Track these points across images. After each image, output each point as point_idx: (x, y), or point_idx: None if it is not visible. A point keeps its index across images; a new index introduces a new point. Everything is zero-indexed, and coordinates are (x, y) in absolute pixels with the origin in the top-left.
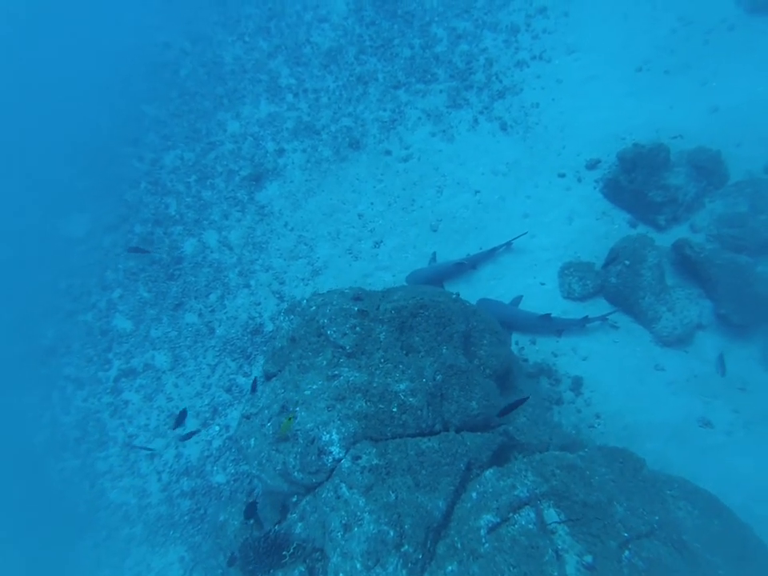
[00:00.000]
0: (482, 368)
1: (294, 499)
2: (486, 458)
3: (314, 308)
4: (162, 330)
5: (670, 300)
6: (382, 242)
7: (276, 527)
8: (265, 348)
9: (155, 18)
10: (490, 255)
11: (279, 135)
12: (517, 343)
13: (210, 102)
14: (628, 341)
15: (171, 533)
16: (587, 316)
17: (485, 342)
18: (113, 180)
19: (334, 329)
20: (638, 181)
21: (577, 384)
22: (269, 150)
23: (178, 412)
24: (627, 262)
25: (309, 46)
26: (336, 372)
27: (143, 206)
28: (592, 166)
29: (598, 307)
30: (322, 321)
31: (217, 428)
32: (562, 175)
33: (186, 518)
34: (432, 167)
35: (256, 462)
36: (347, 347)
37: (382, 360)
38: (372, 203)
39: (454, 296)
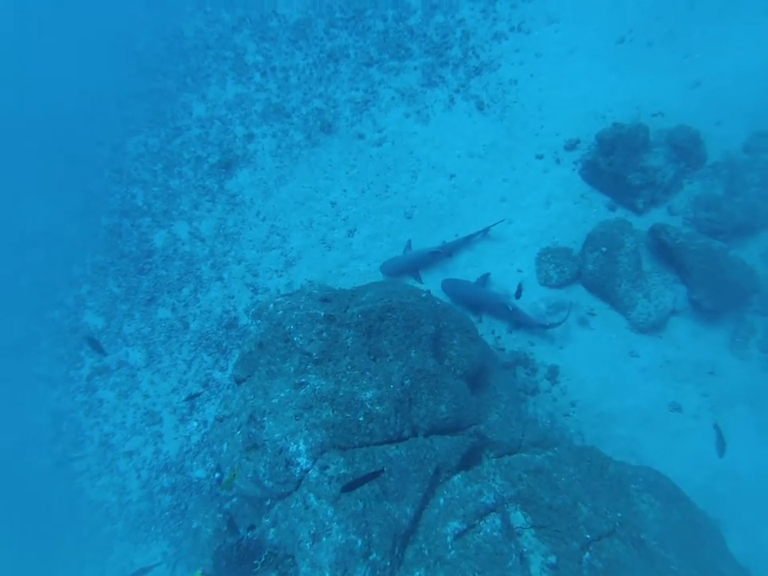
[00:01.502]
0: (452, 369)
1: (268, 503)
2: (455, 462)
3: (280, 312)
4: (134, 326)
5: (646, 286)
6: (355, 230)
7: (249, 534)
8: (240, 342)
9: None
10: (466, 242)
11: (248, 119)
12: (493, 332)
13: (173, 81)
14: (604, 328)
15: (153, 528)
16: (551, 323)
17: (455, 341)
18: (73, 167)
19: (301, 335)
20: (616, 163)
21: (553, 373)
22: (237, 135)
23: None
24: (604, 249)
25: (275, 19)
26: (303, 380)
27: (108, 196)
28: (571, 146)
29: (575, 295)
30: (288, 327)
31: (195, 423)
32: (540, 157)
33: (167, 513)
34: (406, 151)
35: (228, 468)
36: (314, 354)
37: (349, 367)
38: (345, 190)
39: (424, 294)
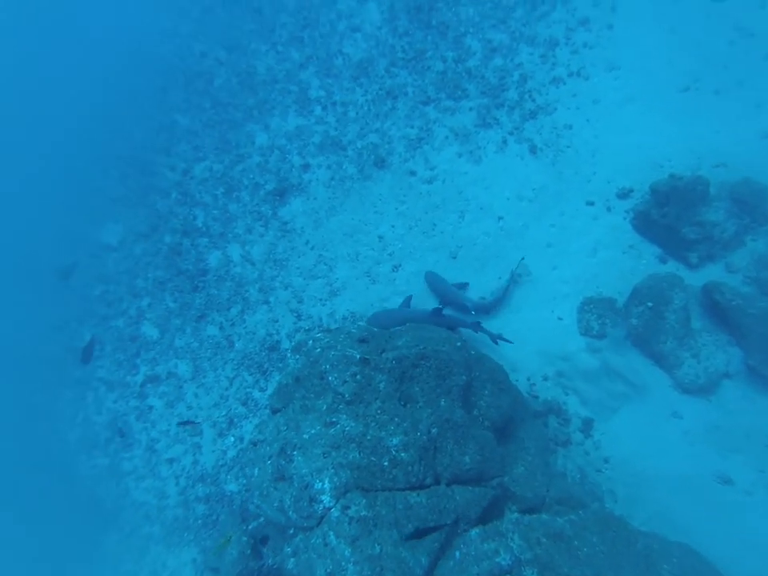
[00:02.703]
0: (480, 419)
1: (291, 531)
2: (475, 514)
3: (318, 350)
4: (185, 340)
5: (695, 346)
6: (400, 266)
7: (270, 561)
8: (280, 365)
9: (193, 27)
10: (491, 305)
11: (306, 150)
12: (529, 379)
13: (241, 113)
14: (646, 385)
15: (186, 535)
16: (479, 322)
17: (486, 392)
18: (146, 189)
19: (336, 375)
20: (670, 215)
21: (587, 425)
22: (294, 164)
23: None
24: (650, 304)
25: (340, 57)
26: (334, 419)
27: (173, 216)
28: (624, 195)
29: (618, 346)
30: (324, 366)
31: (232, 439)
32: (591, 203)
33: (199, 521)
34: (456, 190)
35: (258, 492)
36: (346, 395)
37: (379, 411)
38: (393, 226)
39: (459, 344)
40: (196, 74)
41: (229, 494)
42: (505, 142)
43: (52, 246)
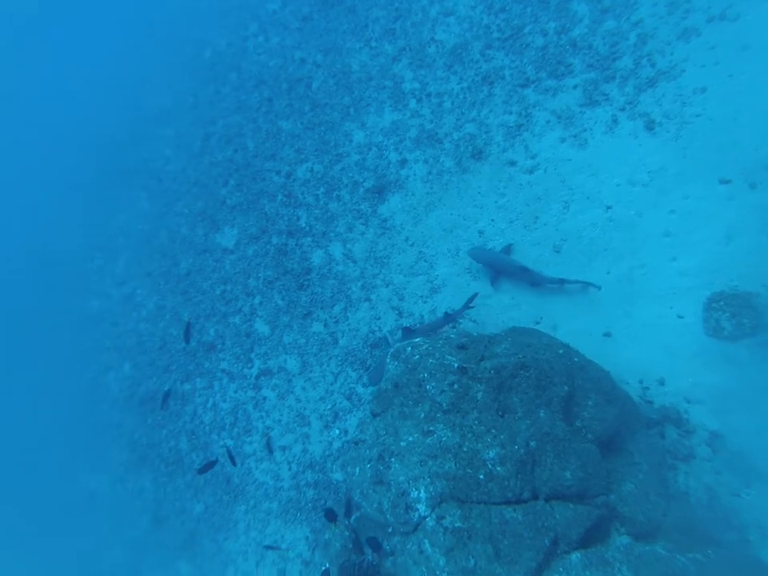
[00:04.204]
0: (583, 431)
1: (390, 530)
2: (576, 536)
3: (417, 357)
4: (292, 337)
5: None
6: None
7: (370, 558)
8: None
9: (295, 37)
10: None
11: (402, 145)
12: (641, 382)
13: (338, 112)
14: None
15: (299, 515)
16: (563, 279)
17: (590, 403)
18: (256, 194)
19: (433, 384)
20: None
21: (716, 438)
22: (392, 160)
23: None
24: None
25: (433, 45)
26: (431, 428)
27: (279, 218)
28: None
29: (758, 351)
30: (422, 374)
31: (337, 431)
32: (726, 181)
33: (309, 504)
34: (559, 179)
35: (358, 491)
36: (444, 404)
37: (476, 422)
38: (493, 220)
39: (562, 351)
40: (296, 80)
41: (335, 482)
42: (615, 120)
43: (184, 250)
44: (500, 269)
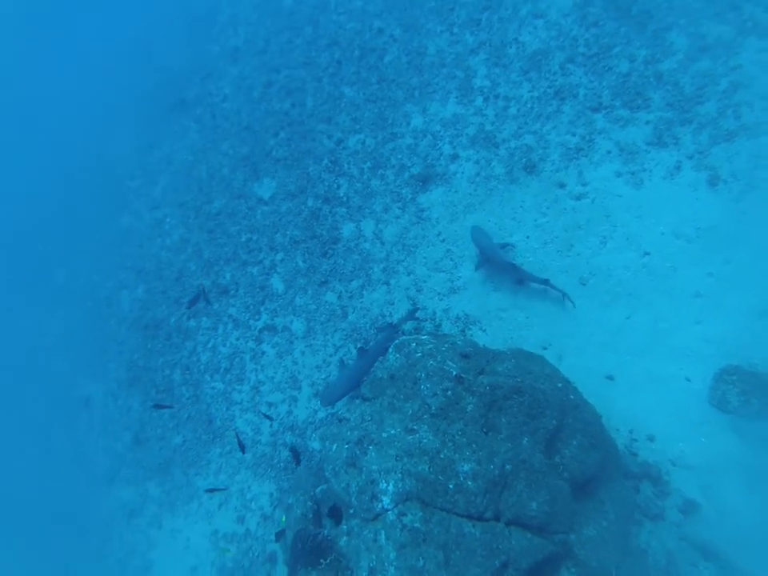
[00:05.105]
0: (560, 468)
1: (352, 511)
2: (526, 565)
3: (419, 354)
4: (305, 300)
5: None
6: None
7: (326, 532)
8: None
9: (379, 5)
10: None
11: (458, 140)
12: (631, 432)
13: (403, 92)
14: None
15: (269, 471)
16: (548, 280)
17: (574, 442)
18: (303, 153)
19: (428, 385)
20: None
21: (691, 508)
22: (444, 152)
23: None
24: None
25: (514, 46)
26: (416, 427)
27: (320, 182)
28: None
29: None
30: (420, 373)
31: None
32: None
33: (281, 464)
34: (604, 213)
35: (331, 467)
36: (433, 407)
37: (460, 433)
38: (528, 237)
39: (561, 384)
40: (370, 49)
41: (311, 449)
42: (678, 167)
43: (220, 190)
44: (490, 258)
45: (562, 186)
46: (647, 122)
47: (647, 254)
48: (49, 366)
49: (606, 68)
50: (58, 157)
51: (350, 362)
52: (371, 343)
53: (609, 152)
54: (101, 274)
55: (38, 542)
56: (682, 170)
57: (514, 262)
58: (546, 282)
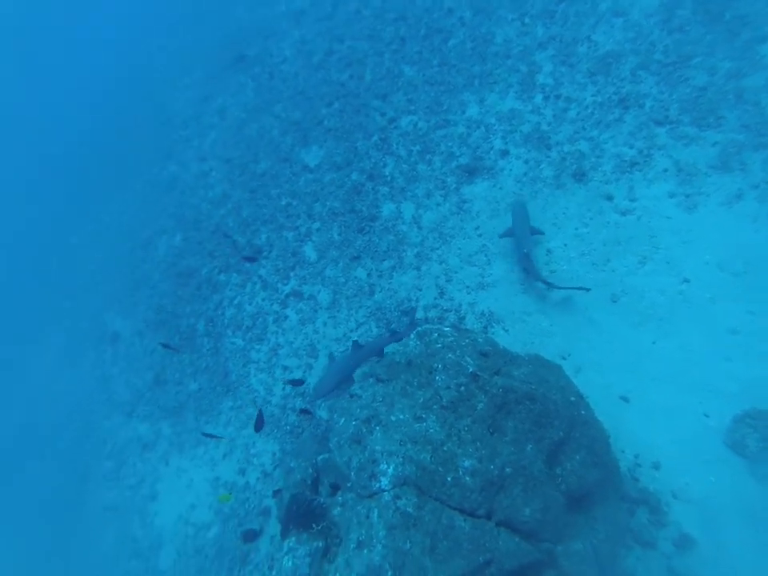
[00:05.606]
0: (558, 480)
1: (349, 484)
2: (509, 566)
3: (439, 346)
4: (335, 273)
5: None
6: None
7: (322, 500)
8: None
9: None
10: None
11: (510, 136)
12: (636, 457)
13: (463, 79)
14: None
15: (275, 431)
16: (551, 283)
17: (577, 457)
18: (355, 126)
19: (443, 377)
20: None
21: (685, 543)
22: (494, 147)
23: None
24: None
25: (586, 45)
26: (424, 416)
27: (366, 158)
28: None
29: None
30: (437, 364)
31: None
32: None
33: (288, 427)
34: (648, 233)
35: (335, 440)
36: (444, 400)
37: (466, 429)
38: (566, 245)
39: (573, 399)
40: (436, 30)
41: (318, 418)
42: (740, 195)
43: (268, 152)
44: (514, 233)
45: (609, 198)
46: (714, 143)
47: (686, 281)
48: (84, 298)
49: (682, 79)
50: (114, 97)
51: (338, 355)
52: (370, 340)
53: (666, 170)
54: (143, 217)
55: (61, 458)
56: (744, 199)
57: (528, 251)
58: (548, 284)
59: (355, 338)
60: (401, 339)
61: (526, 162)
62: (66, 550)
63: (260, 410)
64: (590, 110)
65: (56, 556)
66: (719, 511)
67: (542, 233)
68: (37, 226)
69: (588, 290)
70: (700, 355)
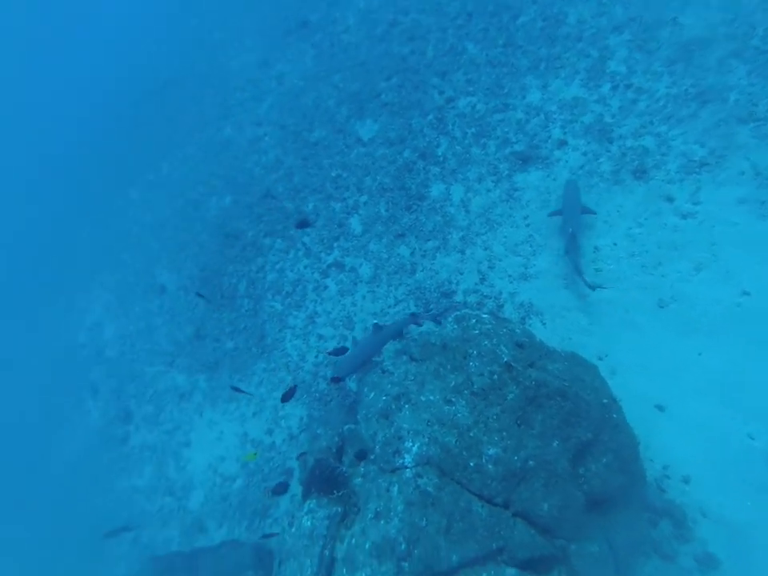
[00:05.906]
0: (581, 480)
1: (372, 457)
2: (521, 557)
3: (476, 332)
4: (378, 247)
5: None
6: (600, 286)
7: (344, 468)
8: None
9: None
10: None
11: (570, 126)
12: (665, 468)
13: (528, 61)
14: None
15: (305, 396)
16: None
17: (603, 460)
18: (411, 103)
19: (477, 364)
20: None
21: (709, 562)
22: (552, 136)
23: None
24: None
25: (669, 28)
26: (454, 399)
27: (421, 136)
28: None
29: None
30: (472, 350)
31: None
32: None
33: (317, 394)
34: (709, 240)
35: (363, 412)
36: (476, 386)
37: (494, 417)
38: (615, 243)
39: (606, 401)
40: (505, 7)
41: (347, 389)
42: None
43: (323, 122)
44: (564, 212)
45: (669, 199)
46: None
47: (746, 293)
48: (137, 250)
49: None
50: (171, 59)
51: (360, 339)
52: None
53: (742, 173)
54: (195, 178)
55: (107, 399)
56: None
57: (574, 231)
58: (581, 275)
59: (375, 321)
60: (420, 323)
61: (584, 154)
62: (109, 482)
63: (295, 386)
64: (662, 103)
65: (96, 487)
66: (751, 536)
67: (594, 212)
68: (97, 178)
69: (594, 289)
70: (751, 374)
